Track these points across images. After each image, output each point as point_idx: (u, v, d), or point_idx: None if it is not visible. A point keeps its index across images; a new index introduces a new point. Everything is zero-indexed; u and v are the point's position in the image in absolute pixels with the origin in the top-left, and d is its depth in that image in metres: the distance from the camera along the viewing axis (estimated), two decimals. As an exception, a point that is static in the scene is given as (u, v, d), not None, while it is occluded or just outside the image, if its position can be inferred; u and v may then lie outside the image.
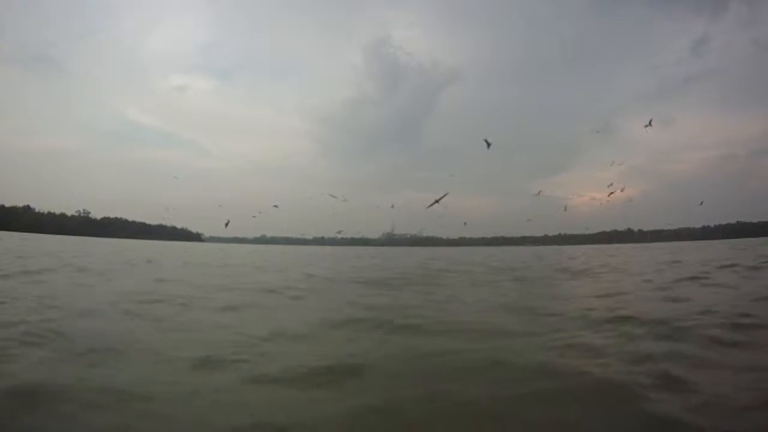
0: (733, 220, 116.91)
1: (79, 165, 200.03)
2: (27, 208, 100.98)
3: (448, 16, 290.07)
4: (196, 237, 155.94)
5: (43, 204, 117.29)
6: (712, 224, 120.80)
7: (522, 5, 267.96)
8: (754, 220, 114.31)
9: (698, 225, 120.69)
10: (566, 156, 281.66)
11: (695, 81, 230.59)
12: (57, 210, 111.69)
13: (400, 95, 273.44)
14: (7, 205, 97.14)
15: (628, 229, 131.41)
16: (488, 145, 20.10)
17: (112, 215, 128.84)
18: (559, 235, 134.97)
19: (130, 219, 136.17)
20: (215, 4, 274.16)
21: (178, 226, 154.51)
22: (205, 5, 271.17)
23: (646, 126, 28.96)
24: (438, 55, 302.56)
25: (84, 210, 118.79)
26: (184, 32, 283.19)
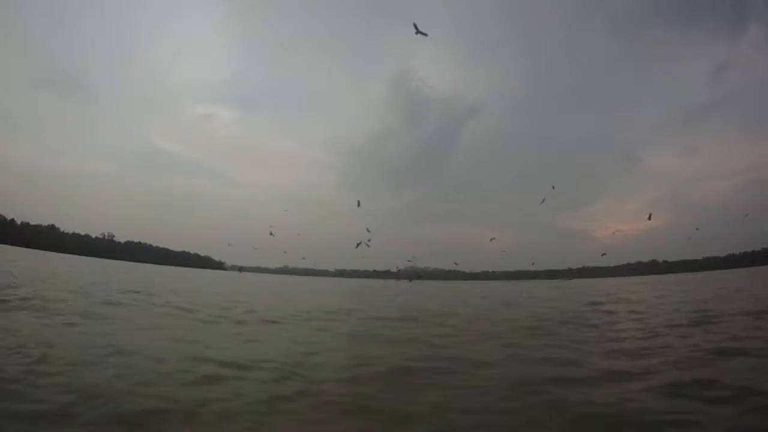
0: (758, 247, 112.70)
1: (104, 188, 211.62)
2: (52, 227, 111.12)
3: (469, 48, 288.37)
4: (218, 265, 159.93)
5: (67, 224, 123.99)
6: (737, 252, 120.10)
7: (543, 37, 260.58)
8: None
9: (723, 254, 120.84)
10: (590, 188, 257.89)
11: (717, 107, 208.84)
12: (81, 231, 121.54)
13: (422, 128, 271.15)
14: (32, 222, 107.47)
15: (653, 260, 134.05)
16: (417, 30, 16.12)
17: (134, 239, 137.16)
18: (583, 267, 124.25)
19: (153, 244, 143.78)
20: (243, 36, 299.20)
21: (201, 253, 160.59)
22: (232, 38, 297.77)
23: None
24: (460, 88, 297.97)
25: (108, 233, 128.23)
26: (212, 63, 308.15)
